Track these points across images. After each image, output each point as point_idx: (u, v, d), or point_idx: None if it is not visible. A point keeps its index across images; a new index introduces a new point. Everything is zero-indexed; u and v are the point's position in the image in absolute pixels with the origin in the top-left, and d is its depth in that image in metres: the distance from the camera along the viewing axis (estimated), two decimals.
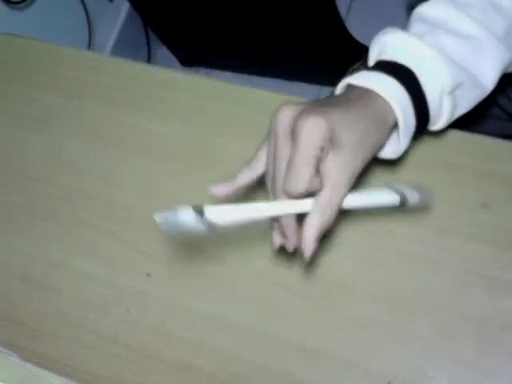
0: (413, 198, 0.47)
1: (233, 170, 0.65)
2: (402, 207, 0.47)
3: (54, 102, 0.73)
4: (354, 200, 0.45)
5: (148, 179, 0.66)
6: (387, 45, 0.51)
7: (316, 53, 1.32)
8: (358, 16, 1.42)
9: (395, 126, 0.49)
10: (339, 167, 0.44)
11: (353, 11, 1.45)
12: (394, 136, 0.52)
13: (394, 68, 0.49)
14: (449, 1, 0.53)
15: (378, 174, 0.60)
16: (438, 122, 0.52)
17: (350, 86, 0.50)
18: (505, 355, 0.51)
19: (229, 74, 1.55)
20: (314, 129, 0.42)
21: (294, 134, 0.43)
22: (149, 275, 0.61)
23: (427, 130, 0.53)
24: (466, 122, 0.67)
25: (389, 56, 0.51)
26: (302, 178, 0.43)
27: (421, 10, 0.54)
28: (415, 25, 0.54)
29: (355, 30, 1.29)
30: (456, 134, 0.60)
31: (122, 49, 1.54)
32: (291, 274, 0.58)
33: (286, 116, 0.45)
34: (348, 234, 0.58)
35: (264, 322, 0.57)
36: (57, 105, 0.73)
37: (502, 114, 0.74)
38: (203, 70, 1.61)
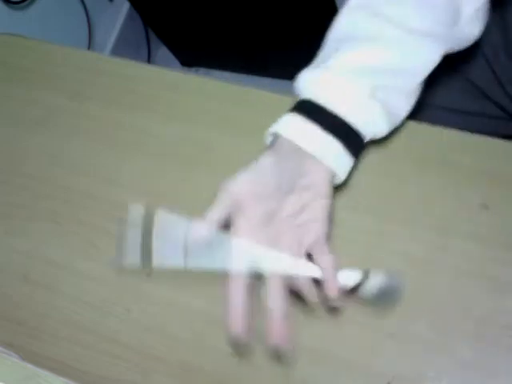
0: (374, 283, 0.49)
1: (232, 169, 0.65)
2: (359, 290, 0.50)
3: (53, 102, 0.73)
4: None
5: (148, 179, 0.66)
6: (299, 85, 0.54)
7: (316, 53, 1.32)
8: None
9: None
10: None
11: None
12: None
13: (309, 108, 0.52)
14: (361, 6, 0.52)
15: (377, 176, 0.60)
16: (377, 128, 0.53)
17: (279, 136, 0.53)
18: (505, 355, 0.51)
19: (229, 74, 1.55)
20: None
21: None
22: (149, 275, 0.61)
23: (369, 139, 0.54)
24: (466, 122, 0.67)
25: (302, 95, 0.53)
26: None
27: (333, 25, 0.55)
28: (327, 45, 0.56)
29: None
30: (456, 134, 0.60)
31: (122, 49, 1.54)
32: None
33: None
34: (348, 233, 0.58)
35: (264, 322, 0.57)
36: (57, 105, 0.73)
37: (502, 113, 0.74)
38: (203, 70, 1.61)
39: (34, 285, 0.64)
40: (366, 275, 0.49)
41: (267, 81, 1.49)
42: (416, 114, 0.67)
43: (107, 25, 1.53)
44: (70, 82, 0.74)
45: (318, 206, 0.50)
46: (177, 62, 1.64)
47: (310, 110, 0.51)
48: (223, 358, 0.57)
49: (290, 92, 0.67)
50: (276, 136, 0.53)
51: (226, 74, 1.56)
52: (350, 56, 0.51)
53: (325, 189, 0.51)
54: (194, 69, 1.63)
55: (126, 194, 0.66)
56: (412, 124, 0.60)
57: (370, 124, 0.52)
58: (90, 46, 1.46)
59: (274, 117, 0.66)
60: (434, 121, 0.60)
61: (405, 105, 0.53)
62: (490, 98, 0.73)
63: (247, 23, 1.36)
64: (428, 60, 0.52)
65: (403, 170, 0.59)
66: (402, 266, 0.56)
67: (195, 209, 0.64)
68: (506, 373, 0.51)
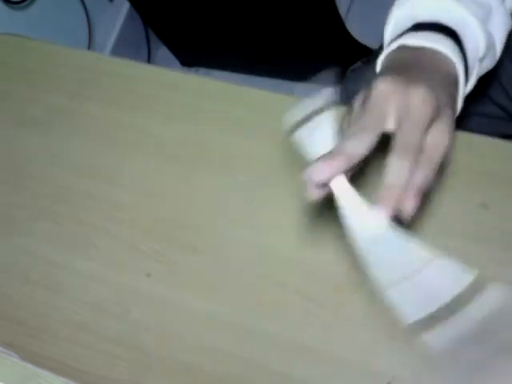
0: None
1: (232, 169, 0.65)
2: None
3: (54, 102, 0.73)
4: None
5: (148, 179, 0.66)
6: (420, 6, 0.48)
7: (316, 53, 1.32)
8: (358, 16, 1.42)
9: None
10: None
11: (353, 11, 1.45)
12: None
13: (441, 29, 0.47)
14: None
15: (377, 176, 0.59)
16: (466, 88, 0.50)
17: (405, 48, 0.47)
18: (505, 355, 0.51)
19: (229, 74, 1.55)
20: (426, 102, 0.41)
21: (404, 107, 0.42)
22: (149, 275, 0.61)
23: None
24: (466, 122, 0.67)
25: (427, 17, 0.48)
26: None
27: None
28: None
29: (355, 30, 1.29)
30: (456, 134, 0.60)
31: (122, 49, 1.54)
32: (291, 273, 0.58)
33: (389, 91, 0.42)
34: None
35: (264, 322, 0.57)
36: (57, 105, 0.73)
37: (502, 113, 0.74)
38: (203, 70, 1.61)
39: (34, 285, 0.64)
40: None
41: (267, 81, 1.49)
42: None
43: (107, 25, 1.53)
44: (70, 81, 0.74)
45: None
46: (177, 62, 1.64)
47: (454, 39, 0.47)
48: (223, 358, 0.57)
49: (290, 92, 0.67)
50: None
51: (226, 74, 1.56)
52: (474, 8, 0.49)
53: None
54: (193, 69, 1.62)
55: (126, 194, 0.66)
56: None
57: (469, 81, 0.50)
58: (90, 46, 1.46)
59: (274, 117, 0.66)
60: None
61: (481, 75, 0.52)
62: (491, 98, 0.73)
63: (247, 23, 1.36)
64: (505, 33, 0.51)
65: None
66: None
67: (195, 208, 0.64)
68: (506, 373, 0.51)
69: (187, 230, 0.63)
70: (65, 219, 0.66)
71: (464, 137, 0.59)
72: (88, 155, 0.69)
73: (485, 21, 0.50)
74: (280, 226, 0.61)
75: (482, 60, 0.50)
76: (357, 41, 1.26)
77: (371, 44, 1.09)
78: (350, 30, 1.29)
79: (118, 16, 1.55)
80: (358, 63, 0.79)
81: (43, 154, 0.70)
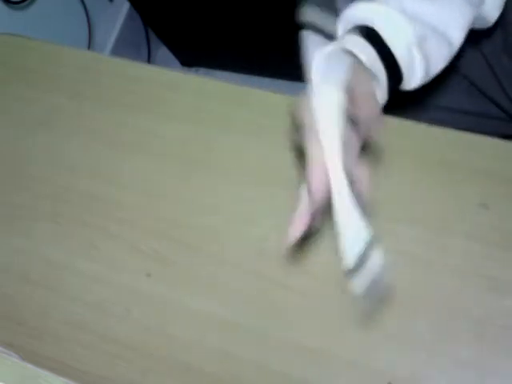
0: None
1: (233, 170, 0.65)
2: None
3: (54, 102, 0.73)
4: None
5: (148, 179, 0.66)
6: (350, 16, 0.54)
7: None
8: None
9: None
10: None
11: None
12: None
13: (358, 29, 0.52)
14: None
15: (377, 176, 0.59)
16: (414, 77, 0.53)
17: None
18: (505, 355, 0.51)
19: (229, 74, 1.55)
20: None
21: None
22: (149, 275, 0.61)
23: (403, 87, 0.54)
24: (466, 122, 0.67)
25: (351, 24, 0.53)
26: None
27: None
28: None
29: None
30: (456, 134, 0.60)
31: (122, 49, 1.54)
32: (291, 273, 0.58)
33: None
34: None
35: (264, 322, 0.57)
36: (57, 105, 0.73)
37: (502, 114, 0.74)
38: (203, 70, 1.61)
39: (34, 285, 0.64)
40: (370, 246, 0.47)
41: (267, 81, 1.49)
42: (416, 114, 0.67)
43: (107, 25, 1.53)
44: (70, 82, 0.74)
45: None
46: (177, 62, 1.64)
47: (371, 35, 0.52)
48: (223, 358, 0.57)
49: (290, 92, 0.67)
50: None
51: (226, 74, 1.56)
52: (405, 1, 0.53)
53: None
54: (194, 69, 1.62)
55: (126, 193, 0.66)
56: (412, 124, 0.60)
57: (411, 69, 0.52)
58: (90, 46, 1.46)
59: (274, 117, 0.66)
60: (434, 121, 0.60)
61: (440, 62, 0.54)
62: (491, 99, 0.73)
63: (247, 23, 1.36)
64: (464, 20, 0.54)
65: (403, 169, 0.59)
66: (402, 266, 0.56)
67: (195, 208, 0.64)
68: (506, 373, 0.51)
69: (187, 229, 0.63)
70: (65, 219, 0.66)
71: (464, 137, 0.59)
72: (88, 155, 0.69)
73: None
74: (280, 225, 0.61)
75: (419, 45, 0.51)
76: None
77: None
78: None
79: (118, 16, 1.55)
80: None
81: (43, 154, 0.70)
